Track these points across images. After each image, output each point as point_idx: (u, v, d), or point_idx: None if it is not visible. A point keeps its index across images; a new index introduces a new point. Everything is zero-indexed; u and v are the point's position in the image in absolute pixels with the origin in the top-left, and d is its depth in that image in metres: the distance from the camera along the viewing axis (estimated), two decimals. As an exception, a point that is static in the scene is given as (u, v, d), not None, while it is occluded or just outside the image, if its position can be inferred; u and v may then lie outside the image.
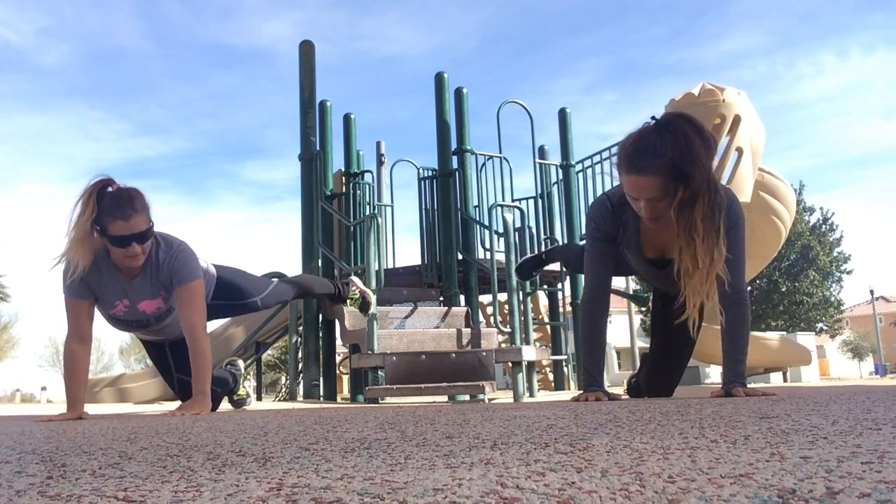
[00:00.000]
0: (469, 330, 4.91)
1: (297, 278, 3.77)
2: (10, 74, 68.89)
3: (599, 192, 6.34)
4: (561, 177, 6.29)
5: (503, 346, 5.18)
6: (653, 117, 2.23)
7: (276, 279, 3.54)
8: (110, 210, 2.46)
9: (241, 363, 3.78)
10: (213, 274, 3.02)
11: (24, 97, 72.03)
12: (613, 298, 3.30)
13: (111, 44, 74.40)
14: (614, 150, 6.35)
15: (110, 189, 2.51)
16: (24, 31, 68.60)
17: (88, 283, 2.60)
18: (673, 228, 2.22)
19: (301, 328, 5.63)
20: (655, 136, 2.15)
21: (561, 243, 5.29)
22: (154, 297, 2.69)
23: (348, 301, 3.85)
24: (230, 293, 3.07)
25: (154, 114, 78.83)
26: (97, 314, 2.72)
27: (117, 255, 2.56)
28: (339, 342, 5.69)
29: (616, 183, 2.36)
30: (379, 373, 4.30)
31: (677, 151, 2.10)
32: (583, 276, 3.09)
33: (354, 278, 3.92)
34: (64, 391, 2.69)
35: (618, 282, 7.38)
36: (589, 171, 6.45)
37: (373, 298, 3.95)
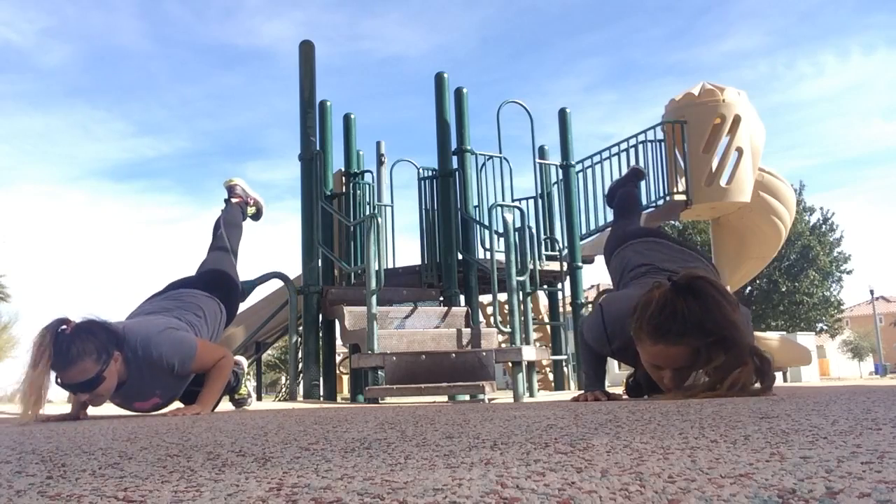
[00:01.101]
0: (469, 330, 4.91)
1: (231, 244, 3.71)
2: (12, 74, 69.01)
3: (599, 193, 6.36)
4: (561, 177, 6.29)
5: (503, 346, 5.18)
6: (670, 279, 2.11)
7: (230, 259, 3.53)
8: (55, 360, 2.33)
9: (244, 362, 3.78)
10: (220, 312, 3.09)
11: (26, 97, 72.17)
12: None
13: (113, 44, 74.49)
14: (614, 150, 6.39)
15: (63, 328, 2.38)
16: (26, 32, 68.70)
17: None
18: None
19: (301, 328, 5.63)
20: (681, 303, 2.03)
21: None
22: (147, 399, 2.67)
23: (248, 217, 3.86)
24: (231, 305, 3.15)
25: (155, 114, 78.94)
26: None
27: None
28: (339, 342, 5.69)
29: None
30: (379, 373, 4.30)
31: (710, 319, 1.98)
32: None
33: (238, 190, 3.83)
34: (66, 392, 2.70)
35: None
36: (589, 171, 6.46)
37: (263, 205, 3.95)
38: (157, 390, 2.65)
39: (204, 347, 2.70)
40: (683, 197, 6.30)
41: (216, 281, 3.26)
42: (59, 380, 2.38)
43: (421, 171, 6.11)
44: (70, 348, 2.34)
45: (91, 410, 2.82)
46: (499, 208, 5.32)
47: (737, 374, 1.93)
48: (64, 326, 2.38)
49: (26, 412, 2.27)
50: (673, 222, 20.45)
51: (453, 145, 5.78)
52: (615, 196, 4.12)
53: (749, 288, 25.35)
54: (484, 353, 4.32)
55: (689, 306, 2.01)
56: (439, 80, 5.85)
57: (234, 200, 3.79)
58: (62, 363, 2.33)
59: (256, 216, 3.98)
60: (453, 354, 4.38)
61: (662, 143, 6.41)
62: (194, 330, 2.85)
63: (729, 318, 1.99)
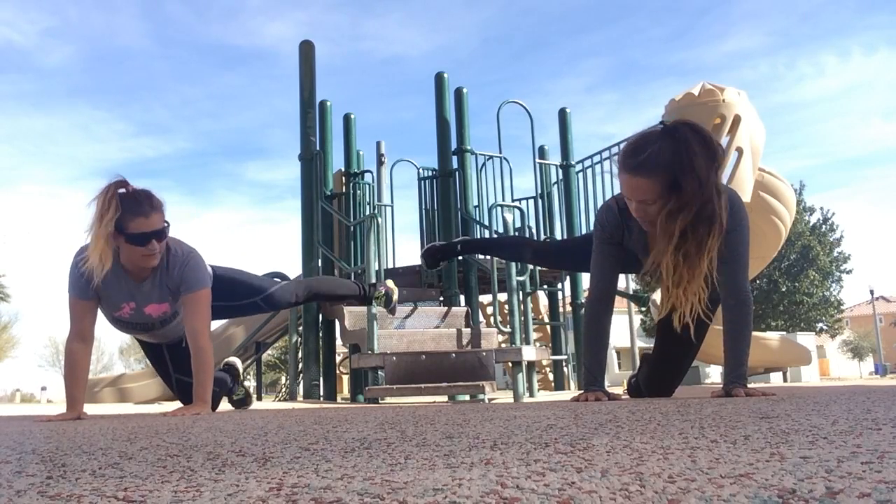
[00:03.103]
0: (469, 330, 4.91)
1: (310, 281, 3.71)
2: (14, 74, 69.02)
3: (599, 193, 6.37)
4: (561, 177, 6.29)
5: (503, 346, 5.18)
6: (662, 122, 2.23)
7: (279, 280, 3.52)
8: (130, 208, 2.48)
9: (239, 364, 3.77)
10: (210, 275, 3.02)
11: (27, 97, 72.18)
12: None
13: (114, 44, 74.53)
14: (614, 150, 6.38)
15: (123, 190, 2.52)
16: (28, 32, 68.72)
17: (97, 288, 2.60)
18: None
19: (301, 328, 5.63)
20: (658, 140, 2.14)
21: (484, 237, 5.14)
22: (161, 302, 2.70)
23: (374, 301, 3.78)
24: (225, 294, 3.05)
25: (157, 114, 78.96)
26: (100, 314, 2.72)
27: (134, 256, 2.55)
28: (339, 342, 5.69)
29: (616, 181, 2.36)
30: (379, 373, 4.30)
31: (676, 158, 2.09)
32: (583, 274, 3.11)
33: (386, 283, 3.79)
34: (64, 391, 2.69)
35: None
36: (589, 171, 6.46)
37: (396, 294, 3.82)
38: (170, 296, 2.69)
39: (207, 297, 2.70)
40: (683, 197, 6.29)
41: (234, 287, 3.16)
42: (135, 229, 2.47)
43: (421, 171, 6.11)
44: (152, 198, 2.53)
45: (91, 411, 2.82)
46: (499, 208, 5.33)
47: (681, 218, 2.09)
48: (123, 189, 2.51)
49: (98, 265, 2.45)
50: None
51: (453, 145, 5.78)
52: None
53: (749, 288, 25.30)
54: (484, 353, 4.32)
55: (662, 145, 2.12)
56: (439, 80, 5.85)
57: (379, 289, 3.75)
58: (136, 211, 2.48)
59: (387, 305, 3.79)
60: (453, 354, 4.38)
61: (662, 143, 6.40)
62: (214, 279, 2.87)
63: (693, 163, 2.08)
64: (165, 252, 2.63)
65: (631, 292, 6.85)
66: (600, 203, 6.23)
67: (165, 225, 2.56)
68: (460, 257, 4.42)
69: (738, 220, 2.28)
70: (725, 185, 2.34)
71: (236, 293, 3.11)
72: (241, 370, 3.81)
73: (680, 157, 2.09)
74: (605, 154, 6.42)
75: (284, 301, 3.39)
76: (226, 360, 3.82)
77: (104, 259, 2.48)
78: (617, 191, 2.44)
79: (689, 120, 2.24)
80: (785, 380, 12.23)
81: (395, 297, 3.83)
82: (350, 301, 4.18)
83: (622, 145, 2.27)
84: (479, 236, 5.56)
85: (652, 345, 2.83)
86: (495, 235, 4.66)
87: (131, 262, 2.58)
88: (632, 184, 2.18)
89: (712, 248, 2.16)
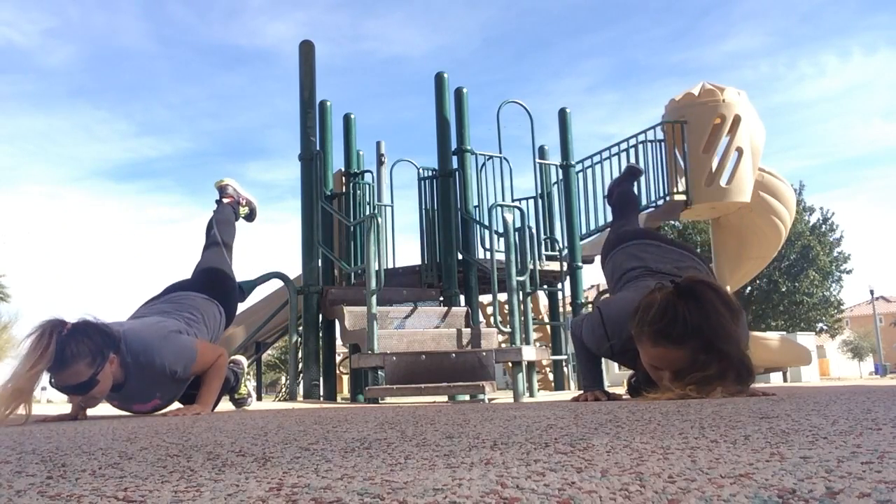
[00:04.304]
0: (469, 330, 4.91)
1: (223, 239, 3.68)
2: (15, 75, 69.06)
3: (599, 193, 6.37)
4: (561, 177, 6.29)
5: (503, 346, 5.18)
6: (672, 282, 2.16)
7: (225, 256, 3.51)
8: (57, 360, 2.33)
9: (244, 362, 3.78)
10: (219, 314, 3.11)
11: (29, 98, 72.20)
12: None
13: (116, 44, 74.56)
14: (614, 150, 6.38)
15: (62, 332, 2.37)
16: (29, 32, 68.76)
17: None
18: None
19: (301, 328, 5.63)
20: (683, 308, 2.07)
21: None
22: (147, 401, 2.68)
23: (240, 218, 3.83)
24: (230, 307, 3.17)
25: (158, 114, 78.98)
26: None
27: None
28: (339, 342, 5.68)
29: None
30: (379, 373, 4.30)
31: (708, 326, 2.03)
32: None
33: (229, 190, 3.81)
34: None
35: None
36: (589, 171, 6.46)
37: (257, 206, 3.90)
38: (158, 392, 2.66)
39: (203, 349, 2.71)
40: (683, 197, 6.30)
41: (213, 281, 3.25)
42: (52, 381, 2.38)
43: (421, 171, 6.11)
44: (64, 350, 2.33)
45: (91, 411, 2.82)
46: (499, 208, 5.32)
47: (719, 385, 1.96)
48: (61, 331, 2.36)
49: (3, 412, 2.21)
50: (673, 222, 20.45)
51: (453, 145, 5.78)
52: (613, 194, 4.15)
53: (749, 288, 25.34)
54: (484, 353, 4.32)
55: (689, 310, 2.04)
56: (439, 80, 5.85)
57: (225, 200, 3.76)
58: (56, 365, 2.33)
59: (250, 217, 3.93)
60: (453, 354, 4.38)
61: (662, 143, 6.41)
62: (193, 330, 2.85)
63: (725, 326, 2.04)
64: (129, 369, 2.53)
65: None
66: (600, 203, 6.25)
67: (88, 377, 2.38)
68: None
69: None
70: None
71: (235, 303, 3.23)
72: (245, 368, 3.81)
73: (711, 323, 2.03)
74: (605, 154, 6.43)
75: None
76: (231, 357, 3.83)
77: (13, 405, 2.23)
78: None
79: (700, 278, 2.20)
80: (785, 380, 12.23)
81: (256, 208, 3.88)
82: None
83: (639, 317, 2.15)
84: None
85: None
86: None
87: None
88: (668, 356, 2.10)
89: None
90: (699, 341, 2.03)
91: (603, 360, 2.77)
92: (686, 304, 2.06)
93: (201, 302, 3.06)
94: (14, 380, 2.25)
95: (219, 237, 3.48)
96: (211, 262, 3.37)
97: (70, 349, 2.33)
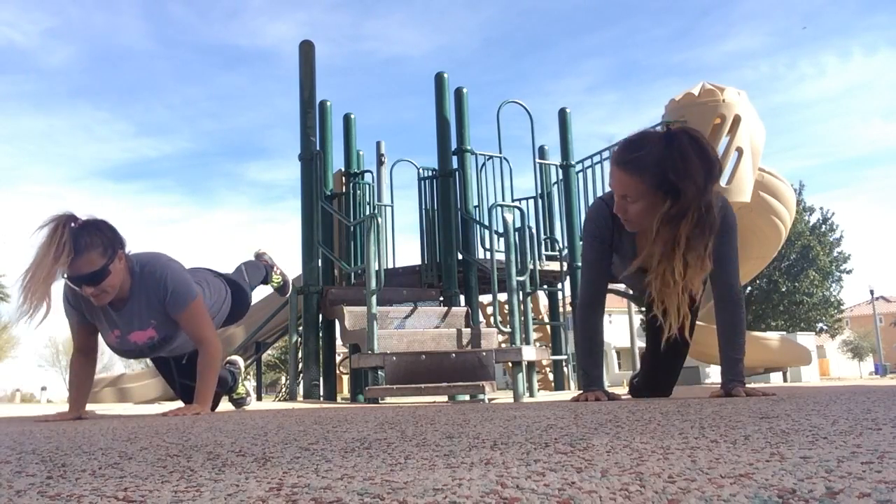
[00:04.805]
0: (469, 330, 4.91)
1: (247, 275, 3.72)
2: (15, 75, 69.08)
3: (599, 193, 6.36)
4: (561, 177, 6.29)
5: (503, 346, 5.18)
6: (667, 125, 2.24)
7: (245, 281, 3.52)
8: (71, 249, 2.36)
9: (241, 362, 3.78)
10: (225, 292, 3.07)
11: (29, 98, 72.20)
12: (613, 298, 3.31)
13: (116, 44, 74.57)
14: (615, 149, 6.37)
15: (74, 225, 2.40)
16: (30, 32, 68.78)
17: (83, 311, 2.58)
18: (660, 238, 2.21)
19: (301, 328, 5.63)
20: (655, 142, 2.15)
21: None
22: (144, 329, 2.62)
23: (271, 285, 3.87)
24: (237, 303, 3.14)
25: (158, 114, 78.97)
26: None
27: (83, 293, 2.46)
28: (339, 342, 5.68)
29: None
30: (379, 373, 4.30)
31: (670, 163, 2.09)
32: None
33: (268, 258, 3.86)
34: (67, 394, 2.72)
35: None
36: (589, 171, 6.46)
37: (290, 283, 3.99)
38: (153, 320, 2.60)
39: (201, 306, 2.65)
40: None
41: (228, 275, 3.26)
42: (66, 273, 2.39)
43: (421, 171, 6.11)
44: (78, 240, 2.37)
45: (91, 409, 2.82)
46: (499, 208, 5.32)
47: (682, 230, 2.08)
48: (73, 224, 2.41)
49: (31, 302, 2.28)
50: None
51: (453, 145, 5.78)
52: None
53: (749, 288, 25.34)
54: (484, 353, 4.32)
55: (656, 145, 2.14)
56: (439, 80, 5.85)
57: (261, 262, 3.84)
58: (76, 250, 2.37)
59: (282, 289, 3.98)
60: (453, 354, 4.38)
61: (662, 143, 6.40)
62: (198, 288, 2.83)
63: (688, 170, 2.08)
64: (136, 276, 2.54)
65: (631, 292, 6.85)
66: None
67: (101, 266, 2.40)
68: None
69: (728, 223, 2.30)
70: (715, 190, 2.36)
71: (243, 310, 3.22)
72: (242, 368, 3.81)
73: (675, 161, 2.09)
74: (606, 154, 6.42)
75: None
76: (228, 358, 3.83)
77: (38, 300, 2.30)
78: None
79: (692, 129, 2.25)
80: (785, 380, 12.23)
81: (289, 287, 3.97)
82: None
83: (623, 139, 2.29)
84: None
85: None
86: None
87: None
88: (618, 177, 2.21)
89: (708, 255, 2.15)
90: (656, 176, 2.11)
91: (603, 359, 2.76)
92: (659, 140, 2.14)
93: (212, 277, 3.06)
94: (36, 268, 2.30)
95: (244, 271, 3.53)
96: (229, 274, 3.38)
97: (84, 239, 2.38)
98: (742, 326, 2.34)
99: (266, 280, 3.79)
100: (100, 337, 2.70)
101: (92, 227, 2.43)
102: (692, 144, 2.12)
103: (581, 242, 2.97)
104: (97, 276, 2.41)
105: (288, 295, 4.08)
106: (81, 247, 2.37)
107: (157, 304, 2.58)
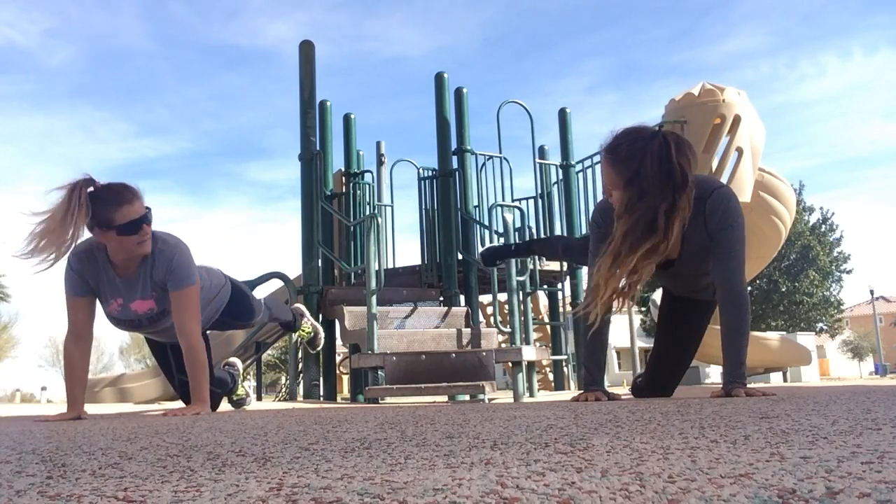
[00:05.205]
0: (469, 330, 4.91)
1: (269, 302, 3.75)
2: (15, 75, 69.02)
3: (599, 193, 6.35)
4: (561, 177, 6.30)
5: (503, 346, 5.18)
6: (659, 126, 2.28)
7: (261, 300, 3.52)
8: (112, 201, 2.42)
9: (239, 364, 3.78)
10: (225, 281, 3.05)
11: (29, 98, 72.14)
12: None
13: (116, 44, 74.52)
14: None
15: (92, 189, 2.45)
16: (30, 32, 68.75)
17: (88, 279, 2.59)
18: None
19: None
20: (641, 137, 2.22)
21: (537, 237, 5.32)
22: (145, 298, 2.64)
23: (298, 333, 3.87)
24: (234, 312, 3.11)
25: (158, 114, 78.90)
26: (100, 312, 2.70)
27: (128, 246, 2.49)
28: (339, 342, 5.69)
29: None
30: (379, 373, 4.30)
31: (644, 160, 2.16)
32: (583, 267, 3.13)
33: (303, 310, 3.91)
34: (64, 391, 2.70)
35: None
36: (589, 171, 6.46)
37: (322, 336, 3.97)
38: (154, 292, 2.63)
39: (195, 295, 2.65)
40: (683, 197, 6.29)
41: (234, 279, 3.23)
42: (115, 222, 2.42)
43: (421, 171, 6.11)
44: (122, 191, 2.46)
45: (91, 410, 2.82)
46: (499, 208, 5.32)
47: (625, 226, 2.17)
48: (91, 188, 2.44)
49: (53, 246, 2.34)
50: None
51: (453, 145, 5.78)
52: None
53: (749, 288, 25.29)
54: (484, 353, 4.32)
55: (642, 145, 2.19)
56: (439, 80, 5.85)
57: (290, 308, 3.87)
58: (119, 201, 2.43)
59: (312, 342, 3.94)
60: (453, 354, 4.38)
61: (662, 143, 6.41)
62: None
63: (665, 176, 2.14)
64: (152, 244, 2.59)
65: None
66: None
67: (148, 209, 2.53)
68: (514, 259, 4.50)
69: (733, 217, 2.30)
70: (718, 181, 2.38)
71: (244, 313, 3.19)
72: (241, 370, 3.81)
73: (644, 161, 2.16)
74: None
75: (262, 322, 3.47)
76: (226, 360, 3.82)
77: (58, 246, 2.38)
78: None
79: (680, 135, 2.33)
80: (785, 380, 12.23)
81: (321, 339, 3.94)
82: (282, 327, 4.23)
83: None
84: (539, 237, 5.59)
85: (651, 345, 2.84)
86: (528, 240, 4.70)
87: (123, 255, 2.53)
88: (604, 169, 2.31)
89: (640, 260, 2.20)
90: (628, 170, 2.18)
91: (605, 354, 2.75)
92: (650, 140, 2.19)
93: (215, 269, 3.06)
94: (56, 222, 2.34)
95: (265, 299, 3.54)
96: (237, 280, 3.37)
97: (128, 190, 2.48)
98: (746, 328, 2.32)
99: (292, 326, 3.79)
100: (93, 327, 2.69)
101: (123, 184, 2.53)
102: (676, 150, 2.18)
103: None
104: (150, 217, 2.52)
105: (319, 348, 4.05)
106: (129, 195, 2.47)
107: (160, 276, 2.61)
